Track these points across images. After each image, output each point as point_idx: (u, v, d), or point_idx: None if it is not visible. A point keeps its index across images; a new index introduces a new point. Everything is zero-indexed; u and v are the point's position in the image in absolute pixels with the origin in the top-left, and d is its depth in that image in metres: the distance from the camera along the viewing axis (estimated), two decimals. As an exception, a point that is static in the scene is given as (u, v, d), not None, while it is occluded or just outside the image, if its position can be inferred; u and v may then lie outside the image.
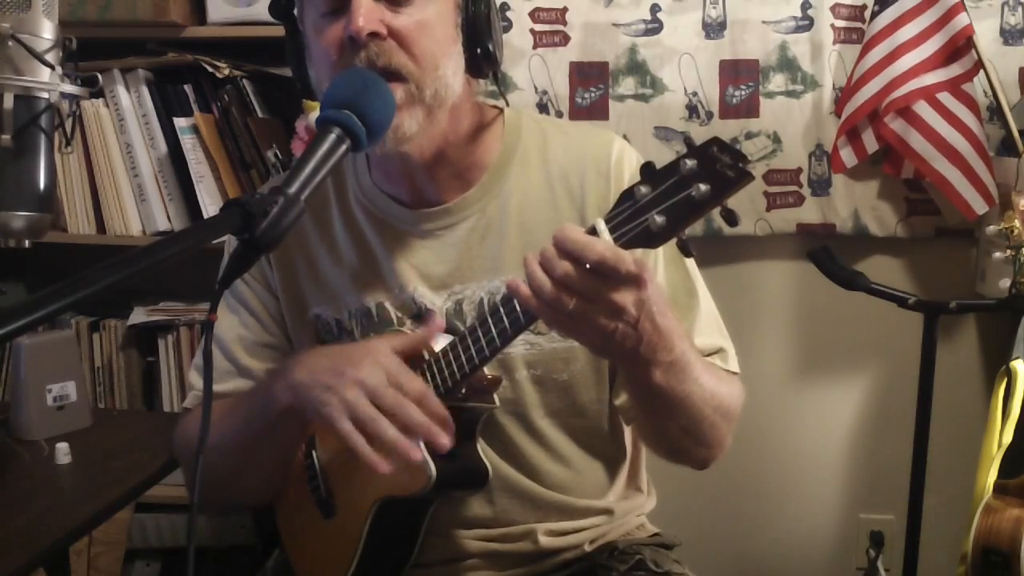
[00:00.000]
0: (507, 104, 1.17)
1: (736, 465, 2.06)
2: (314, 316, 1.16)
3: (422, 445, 0.99)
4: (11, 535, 1.18)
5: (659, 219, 0.79)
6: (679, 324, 0.92)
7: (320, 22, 1.01)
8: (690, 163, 0.77)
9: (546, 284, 0.82)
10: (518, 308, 0.90)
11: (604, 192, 1.10)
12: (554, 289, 0.81)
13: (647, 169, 0.81)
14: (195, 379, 1.23)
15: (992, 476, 1.59)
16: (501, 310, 0.92)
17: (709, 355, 1.10)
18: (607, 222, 0.82)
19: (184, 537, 2.04)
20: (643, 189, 0.80)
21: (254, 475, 1.13)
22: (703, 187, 0.77)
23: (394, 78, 0.98)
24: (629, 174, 1.10)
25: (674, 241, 0.81)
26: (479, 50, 1.04)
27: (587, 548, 1.18)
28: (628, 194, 0.81)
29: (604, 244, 0.81)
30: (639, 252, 0.82)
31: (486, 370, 1.03)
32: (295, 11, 1.08)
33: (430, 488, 1.01)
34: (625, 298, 0.82)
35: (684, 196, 0.78)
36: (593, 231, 0.83)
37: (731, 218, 0.78)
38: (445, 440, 0.93)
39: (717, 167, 0.76)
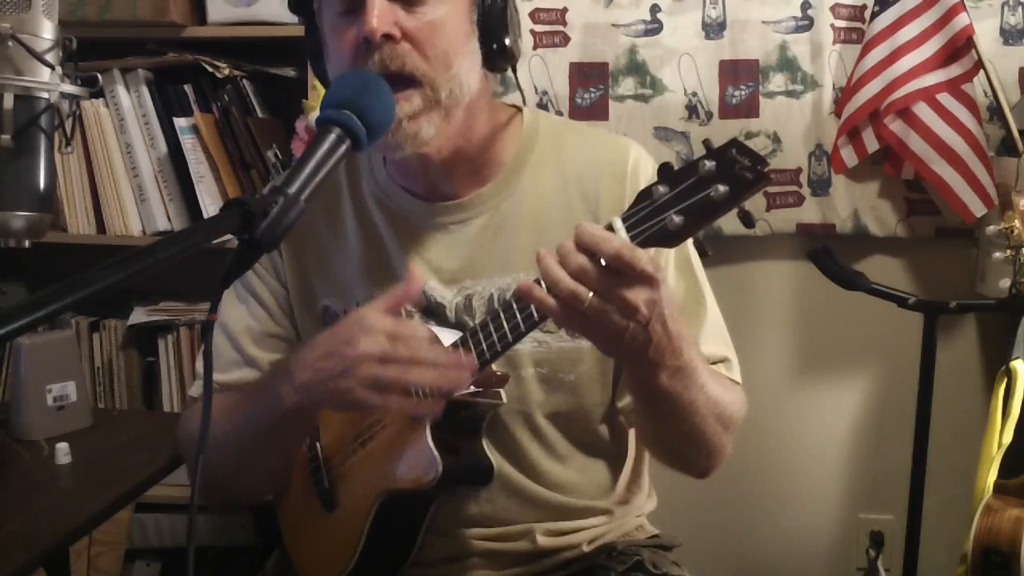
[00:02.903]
0: (524, 102, 1.17)
1: (736, 465, 2.04)
2: (323, 308, 1.17)
3: (430, 440, 0.99)
4: (11, 535, 1.18)
5: (677, 219, 0.80)
6: (688, 330, 0.92)
7: (336, 21, 1.01)
8: (709, 164, 0.78)
9: (561, 279, 0.81)
10: (531, 305, 0.89)
11: (619, 197, 1.10)
12: (569, 284, 0.81)
13: (665, 169, 0.81)
14: (201, 368, 1.23)
15: (992, 476, 1.59)
16: (514, 306, 0.92)
17: (713, 364, 1.10)
18: (624, 220, 0.83)
19: (184, 537, 2.04)
20: (661, 189, 0.81)
21: (257, 472, 1.13)
22: (721, 188, 0.77)
23: (410, 83, 0.98)
24: (645, 181, 1.10)
25: (689, 242, 0.82)
26: (495, 45, 1.04)
27: (585, 548, 1.18)
28: (646, 193, 0.82)
29: (620, 240, 0.81)
30: (653, 252, 0.83)
31: (494, 367, 1.03)
32: (314, 6, 1.08)
33: (436, 482, 1.01)
34: (638, 297, 0.82)
35: (702, 197, 0.78)
36: (610, 229, 0.83)
37: (748, 219, 0.79)
38: (465, 375, 0.92)
39: (736, 169, 0.77)
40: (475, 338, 0.96)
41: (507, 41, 1.04)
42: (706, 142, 0.80)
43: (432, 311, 1.11)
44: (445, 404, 0.97)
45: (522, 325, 0.91)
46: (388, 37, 0.97)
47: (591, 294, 0.81)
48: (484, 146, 1.11)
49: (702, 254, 0.85)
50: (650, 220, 0.81)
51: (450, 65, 1.00)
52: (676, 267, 1.11)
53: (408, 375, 0.91)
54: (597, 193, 1.11)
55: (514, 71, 1.09)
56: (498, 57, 1.05)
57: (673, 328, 0.87)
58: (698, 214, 0.79)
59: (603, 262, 0.81)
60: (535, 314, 0.90)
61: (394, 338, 0.93)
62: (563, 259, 0.82)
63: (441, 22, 1.00)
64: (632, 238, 0.82)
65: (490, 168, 1.12)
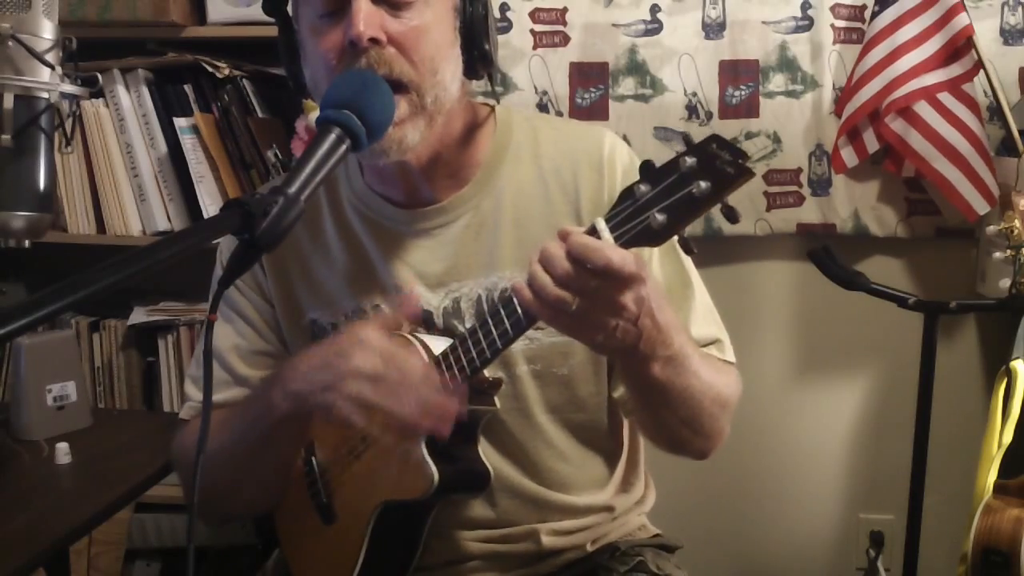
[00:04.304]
0: (498, 101, 1.17)
1: (736, 465, 2.06)
2: (310, 321, 1.16)
3: (424, 449, 0.98)
4: (11, 535, 1.18)
5: (660, 217, 0.79)
6: (677, 318, 0.93)
7: (317, 23, 1.01)
8: (690, 160, 0.77)
9: (548, 284, 0.82)
10: (519, 309, 0.89)
11: (597, 186, 1.10)
12: (555, 289, 0.82)
13: (647, 167, 0.81)
14: (191, 390, 1.21)
15: (992, 476, 1.59)
16: (502, 311, 0.91)
17: (705, 345, 1.10)
18: (607, 221, 0.82)
19: (184, 537, 2.04)
20: (643, 187, 0.80)
21: (253, 485, 1.13)
22: (703, 184, 0.77)
23: (396, 89, 0.98)
24: (622, 169, 1.11)
25: (675, 239, 0.81)
26: (476, 52, 1.04)
27: (589, 548, 1.17)
28: (628, 192, 0.81)
29: (609, 248, 0.80)
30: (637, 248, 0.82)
31: (486, 372, 1.03)
32: (288, 8, 1.08)
33: (432, 492, 1.00)
34: (626, 297, 0.83)
35: (685, 194, 0.78)
36: (593, 230, 0.82)
37: (732, 215, 0.78)
38: (454, 406, 0.92)
39: (717, 164, 0.76)
40: (464, 345, 0.96)
41: (487, 47, 1.04)
42: (686, 137, 0.79)
43: (420, 319, 1.10)
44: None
45: (511, 331, 0.91)
46: (375, 41, 0.96)
47: (576, 300, 0.82)
48: (461, 148, 1.11)
49: (688, 252, 0.84)
50: (633, 220, 0.81)
51: (436, 71, 1.00)
52: (662, 253, 1.11)
53: (392, 400, 0.91)
54: (576, 184, 1.10)
55: (490, 78, 1.09)
56: (479, 63, 1.05)
57: (662, 319, 0.87)
58: (681, 211, 0.78)
59: (588, 266, 0.80)
60: (523, 319, 0.89)
61: (388, 360, 0.93)
62: (547, 264, 0.82)
63: (426, 27, 0.99)
64: (616, 239, 0.81)
65: (468, 169, 1.12)
